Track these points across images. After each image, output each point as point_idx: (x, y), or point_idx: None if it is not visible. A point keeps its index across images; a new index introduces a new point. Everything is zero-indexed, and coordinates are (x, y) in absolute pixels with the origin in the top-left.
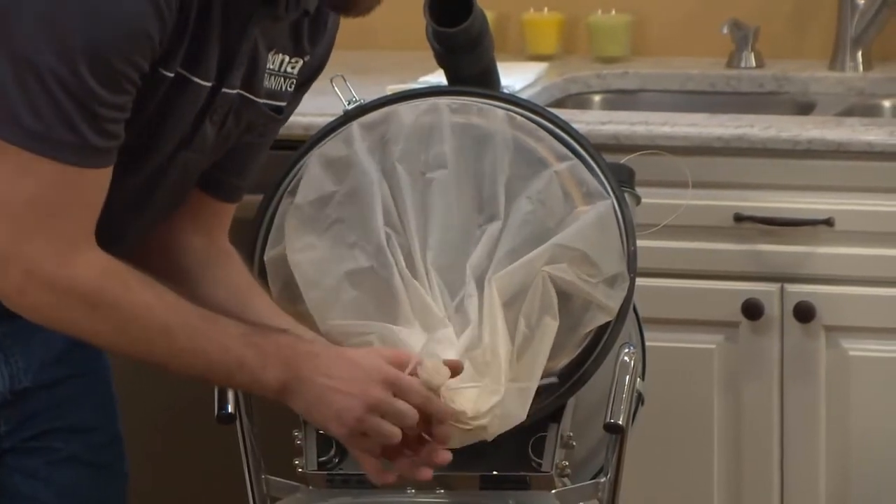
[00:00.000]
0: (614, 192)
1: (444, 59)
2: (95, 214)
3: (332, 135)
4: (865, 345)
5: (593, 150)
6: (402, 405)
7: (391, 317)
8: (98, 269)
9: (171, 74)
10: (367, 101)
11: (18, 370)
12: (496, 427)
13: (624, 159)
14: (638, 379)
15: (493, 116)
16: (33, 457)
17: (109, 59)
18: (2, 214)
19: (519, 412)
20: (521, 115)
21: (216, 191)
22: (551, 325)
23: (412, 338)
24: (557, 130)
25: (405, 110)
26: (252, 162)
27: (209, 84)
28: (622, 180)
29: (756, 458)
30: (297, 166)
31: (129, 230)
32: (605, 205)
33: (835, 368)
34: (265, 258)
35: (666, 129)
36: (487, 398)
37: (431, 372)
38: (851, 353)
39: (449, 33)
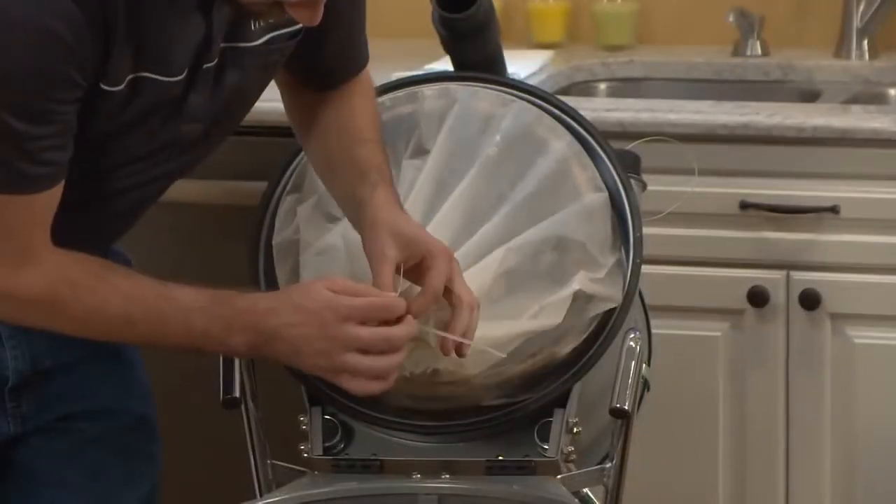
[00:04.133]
0: (621, 179)
1: (451, 46)
2: (46, 228)
3: None
4: (871, 332)
5: (600, 136)
6: (373, 357)
7: None
8: (46, 278)
9: (119, 87)
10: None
11: (40, 350)
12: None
13: (629, 146)
14: (644, 365)
15: (501, 103)
16: (59, 439)
17: (28, 102)
18: None
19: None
20: (528, 101)
21: (336, 77)
22: (554, 321)
23: None
24: (564, 117)
25: (416, 95)
26: (340, 42)
27: (179, 77)
28: (628, 167)
29: (761, 445)
30: (302, 153)
31: (148, 196)
32: (602, 197)
33: (840, 356)
34: (273, 242)
35: (671, 117)
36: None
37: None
38: (857, 340)
39: (455, 19)
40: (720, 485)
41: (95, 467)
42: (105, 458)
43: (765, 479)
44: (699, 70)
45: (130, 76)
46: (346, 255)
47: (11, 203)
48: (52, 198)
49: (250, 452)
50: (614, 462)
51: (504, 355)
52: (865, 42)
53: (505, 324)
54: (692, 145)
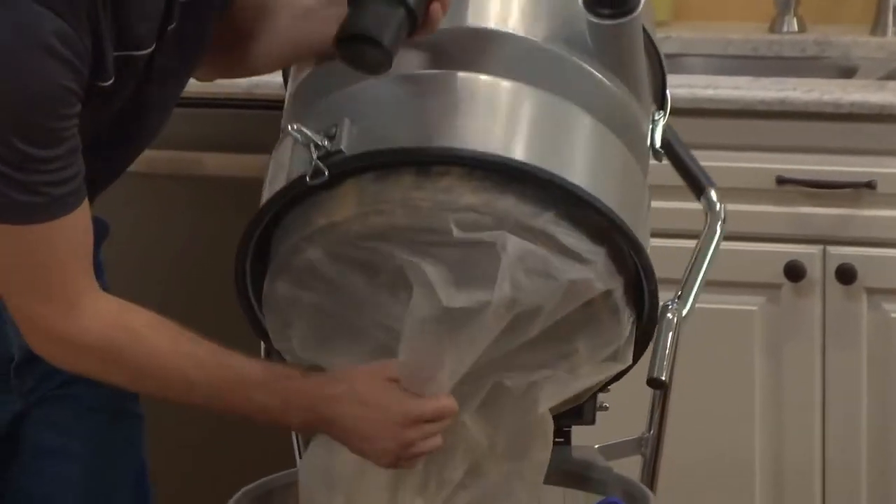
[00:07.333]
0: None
1: None
2: (89, 256)
3: None
4: None
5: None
6: (432, 438)
7: None
8: (106, 320)
9: (110, 82)
10: None
11: None
12: None
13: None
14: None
15: None
16: (60, 407)
17: (37, 124)
18: (4, 284)
19: None
20: None
21: None
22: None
23: None
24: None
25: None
26: None
27: (150, 50)
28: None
29: (797, 419)
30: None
31: (130, 155)
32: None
33: (876, 330)
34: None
35: (709, 92)
36: None
37: None
38: (893, 314)
39: None
40: (756, 458)
41: (96, 436)
42: (101, 425)
43: (801, 452)
44: (735, 46)
45: (112, 58)
46: None
47: (46, 233)
48: (83, 219)
49: None
50: (652, 432)
51: None
52: None
53: None
54: (729, 121)
